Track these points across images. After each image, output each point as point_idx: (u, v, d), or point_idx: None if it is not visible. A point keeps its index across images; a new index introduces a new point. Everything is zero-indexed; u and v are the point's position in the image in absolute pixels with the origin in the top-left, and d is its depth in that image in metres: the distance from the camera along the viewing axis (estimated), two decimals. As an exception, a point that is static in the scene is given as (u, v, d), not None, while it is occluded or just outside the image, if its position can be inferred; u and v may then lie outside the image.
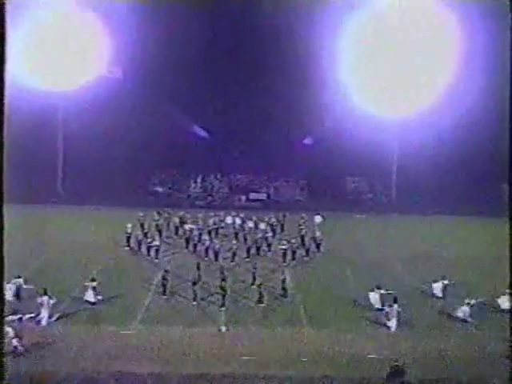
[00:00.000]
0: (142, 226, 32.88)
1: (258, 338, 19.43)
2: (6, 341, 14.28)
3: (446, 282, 23.78)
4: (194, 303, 22.39)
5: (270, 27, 42.84)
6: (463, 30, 43.22)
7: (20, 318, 19.03)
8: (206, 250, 29.47)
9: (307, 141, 50.55)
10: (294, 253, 29.47)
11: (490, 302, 22.33)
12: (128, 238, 30.92)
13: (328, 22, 41.72)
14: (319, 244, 31.17)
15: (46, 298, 20.02)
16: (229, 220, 34.99)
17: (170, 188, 51.38)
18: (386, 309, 20.89)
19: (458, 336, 20.03)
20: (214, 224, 33.45)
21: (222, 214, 35.68)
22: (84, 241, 31.93)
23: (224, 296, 22.17)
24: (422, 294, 24.45)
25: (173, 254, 30.29)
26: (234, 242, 30.17)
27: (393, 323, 20.39)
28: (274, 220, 34.90)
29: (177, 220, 34.20)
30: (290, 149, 48.53)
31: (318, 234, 31.79)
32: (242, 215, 35.03)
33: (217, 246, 29.18)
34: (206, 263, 27.74)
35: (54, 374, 16.03)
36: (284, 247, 29.10)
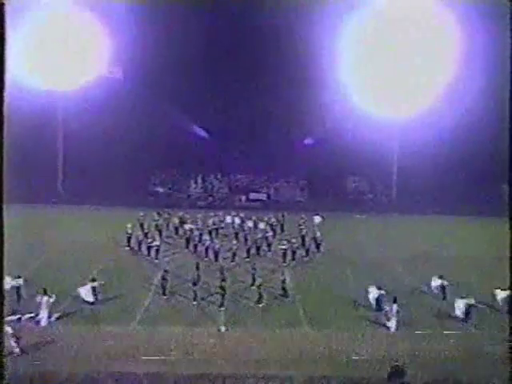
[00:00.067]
0: (142, 226, 32.91)
1: (257, 338, 19.42)
2: (6, 341, 14.29)
3: (445, 282, 23.73)
4: (194, 303, 22.38)
5: (270, 27, 42.85)
6: (463, 30, 43.26)
7: (19, 318, 19.01)
8: (206, 250, 29.45)
9: (307, 141, 50.59)
10: (293, 253, 29.45)
11: (490, 302, 22.29)
12: (128, 238, 30.93)
13: (328, 22, 41.76)
14: (319, 244, 31.16)
15: (45, 298, 20.01)
16: (229, 220, 35.03)
17: (169, 188, 51.42)
18: (386, 308, 20.88)
19: (457, 336, 19.99)
20: (214, 224, 33.47)
21: (221, 214, 35.73)
22: (84, 241, 31.94)
23: (223, 296, 22.17)
24: (422, 293, 24.43)
25: (173, 254, 30.29)
26: (234, 242, 30.17)
27: (392, 323, 20.37)
28: (273, 220, 34.93)
29: (177, 220, 34.23)
30: (291, 149, 48.57)
31: (318, 234, 31.79)
32: (241, 215, 35.08)
33: (217, 246, 29.16)
34: (206, 263, 27.75)
35: (54, 374, 16.02)
36: (284, 247, 29.08)
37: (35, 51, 43.41)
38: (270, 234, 32.27)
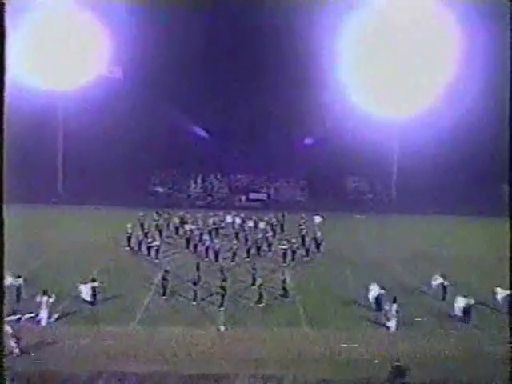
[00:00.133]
0: (142, 226, 32.93)
1: (257, 337, 19.41)
2: (5, 341, 14.28)
3: (445, 282, 23.72)
4: (194, 303, 22.37)
5: (270, 27, 42.88)
6: (463, 30, 43.27)
7: (19, 318, 19.00)
8: (206, 250, 29.44)
9: (307, 141, 50.60)
10: (294, 253, 29.45)
11: (490, 302, 22.29)
12: (128, 238, 30.92)
13: (328, 22, 41.78)
14: (319, 244, 31.16)
15: (45, 298, 20.01)
16: (229, 220, 35.04)
17: (169, 188, 51.44)
18: (386, 308, 20.87)
19: (457, 336, 19.99)
20: (214, 224, 33.49)
21: (222, 213, 35.75)
22: (84, 241, 31.94)
23: (223, 296, 22.16)
24: (422, 293, 24.42)
25: (173, 254, 30.28)
26: (235, 242, 30.17)
27: (392, 323, 20.37)
28: (274, 220, 34.95)
29: (177, 220, 34.23)
30: (291, 149, 48.59)
31: (318, 234, 31.79)
32: (242, 215, 35.09)
33: (217, 246, 29.15)
34: (207, 263, 27.75)
35: (54, 374, 16.02)
36: (284, 247, 29.09)
37: (35, 51, 43.41)
38: (270, 233, 32.27)
